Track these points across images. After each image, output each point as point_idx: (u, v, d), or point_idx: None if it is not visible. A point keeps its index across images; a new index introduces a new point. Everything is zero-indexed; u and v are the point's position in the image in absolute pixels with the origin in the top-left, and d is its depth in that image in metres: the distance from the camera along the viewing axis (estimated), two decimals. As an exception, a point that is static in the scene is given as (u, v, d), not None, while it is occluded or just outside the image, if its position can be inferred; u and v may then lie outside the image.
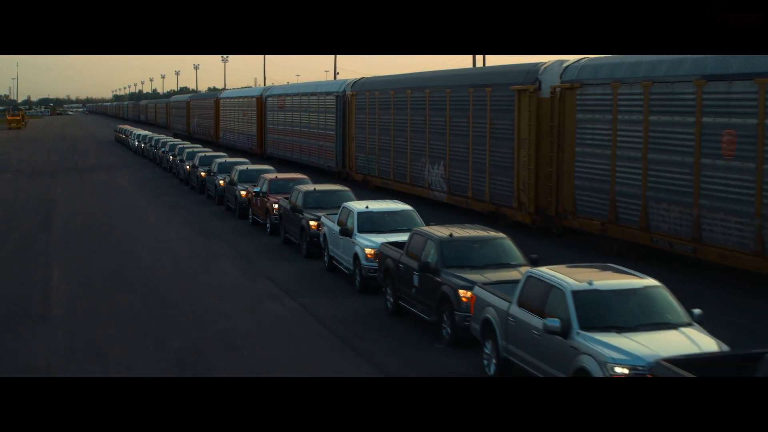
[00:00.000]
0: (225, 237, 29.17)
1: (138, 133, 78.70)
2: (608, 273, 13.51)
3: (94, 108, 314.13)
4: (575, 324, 11.98)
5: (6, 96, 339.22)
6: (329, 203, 25.11)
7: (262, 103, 60.89)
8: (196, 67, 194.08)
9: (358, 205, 22.01)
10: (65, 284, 22.00)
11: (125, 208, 37.06)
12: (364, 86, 42.74)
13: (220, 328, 17.65)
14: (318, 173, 45.19)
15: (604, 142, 24.06)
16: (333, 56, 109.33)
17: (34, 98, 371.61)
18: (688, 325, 12.30)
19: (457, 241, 16.98)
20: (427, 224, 20.23)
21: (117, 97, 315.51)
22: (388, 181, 38.24)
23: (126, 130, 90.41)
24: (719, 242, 20.20)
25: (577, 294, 12.29)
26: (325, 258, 23.03)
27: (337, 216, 22.29)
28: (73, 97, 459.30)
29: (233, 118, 69.88)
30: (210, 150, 50.29)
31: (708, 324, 13.67)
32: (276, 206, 28.10)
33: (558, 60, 27.19)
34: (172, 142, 59.02)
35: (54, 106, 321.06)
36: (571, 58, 26.73)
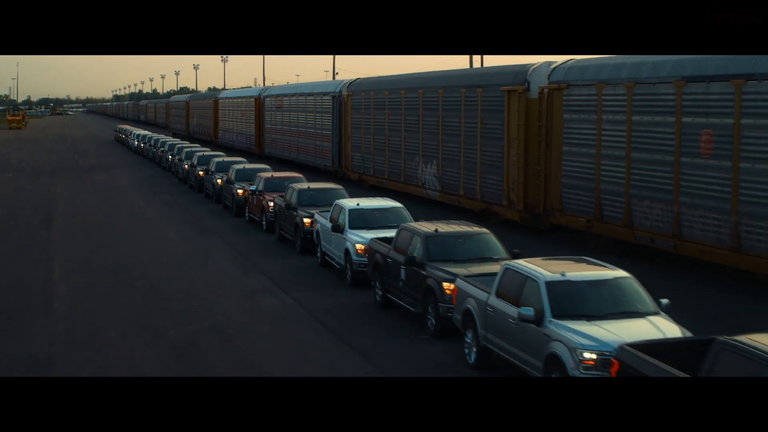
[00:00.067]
0: (222, 234, 29.86)
1: (138, 132, 79.41)
2: (581, 265, 14.21)
3: (94, 108, 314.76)
4: (548, 313, 12.68)
5: (6, 96, 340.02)
6: (323, 201, 25.78)
7: (260, 103, 61.58)
8: (195, 68, 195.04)
9: (350, 203, 22.74)
10: (66, 280, 22.67)
11: (125, 207, 37.74)
12: (359, 87, 43.44)
13: (215, 320, 18.34)
14: (315, 172, 45.91)
15: (590, 141, 24.76)
16: (332, 56, 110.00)
17: (34, 98, 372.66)
18: (655, 313, 13.01)
19: (441, 236, 17.69)
20: (416, 221, 20.92)
21: (117, 97, 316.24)
22: (383, 180, 38.93)
23: (126, 130, 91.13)
24: (698, 238, 20.89)
25: (550, 284, 13.00)
26: (318, 254, 23.74)
27: (330, 213, 22.99)
28: (73, 97, 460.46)
29: (232, 118, 70.56)
30: (208, 150, 51.00)
31: (681, 315, 14.41)
32: (271, 204, 28.80)
33: (546, 61, 27.88)
34: (171, 142, 59.73)
35: (54, 106, 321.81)
36: (559, 60, 27.42)
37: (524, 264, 13.93)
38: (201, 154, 45.86)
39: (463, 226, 18.76)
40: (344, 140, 44.28)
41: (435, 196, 33.88)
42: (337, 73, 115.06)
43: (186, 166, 46.55)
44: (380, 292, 18.94)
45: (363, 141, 41.42)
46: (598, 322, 12.47)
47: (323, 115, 47.56)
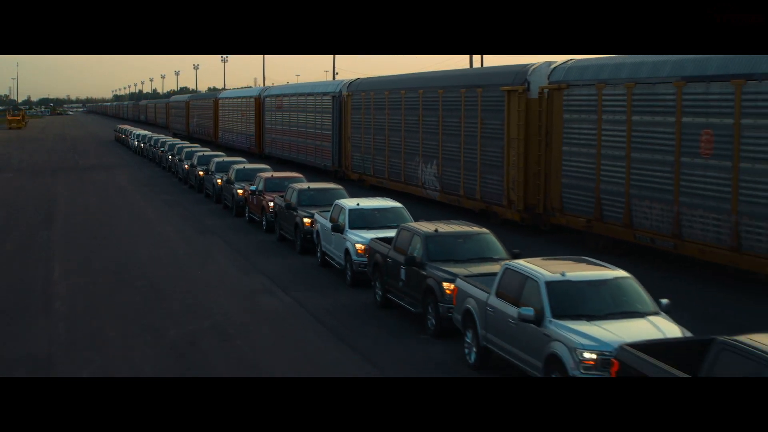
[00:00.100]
0: (222, 234, 29.87)
1: (137, 132, 79.44)
2: (581, 265, 14.21)
3: (94, 108, 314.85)
4: (548, 312, 12.69)
5: (6, 96, 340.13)
6: (323, 201, 25.79)
7: (260, 103, 61.60)
8: (195, 68, 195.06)
9: (350, 203, 22.74)
10: (66, 280, 22.68)
11: (125, 207, 37.75)
12: (359, 87, 43.44)
13: (215, 320, 18.35)
14: (315, 172, 45.92)
15: (590, 141, 24.76)
16: (332, 56, 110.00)
17: (34, 98, 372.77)
18: (655, 313, 13.01)
19: (441, 236, 17.69)
20: (416, 221, 20.91)
21: (117, 97, 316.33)
22: (383, 180, 38.93)
23: (126, 130, 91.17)
24: (698, 238, 20.89)
25: (550, 284, 13.00)
26: (318, 254, 23.75)
27: (330, 213, 22.99)
28: (73, 97, 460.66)
29: (232, 118, 70.57)
30: (208, 150, 51.01)
31: (681, 315, 14.43)
32: (271, 204, 28.80)
33: (546, 61, 27.89)
34: (171, 142, 59.75)
35: (54, 106, 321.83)
36: (559, 60, 27.42)
37: (524, 264, 13.94)
38: (201, 154, 45.87)
39: (463, 226, 18.77)
40: (344, 140, 44.29)
41: (435, 196, 33.88)
42: (337, 73, 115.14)
43: (186, 166, 46.56)
44: (380, 292, 18.94)
45: (363, 141, 41.42)
46: (598, 322, 12.47)
47: (323, 115, 47.57)
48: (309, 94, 51.10)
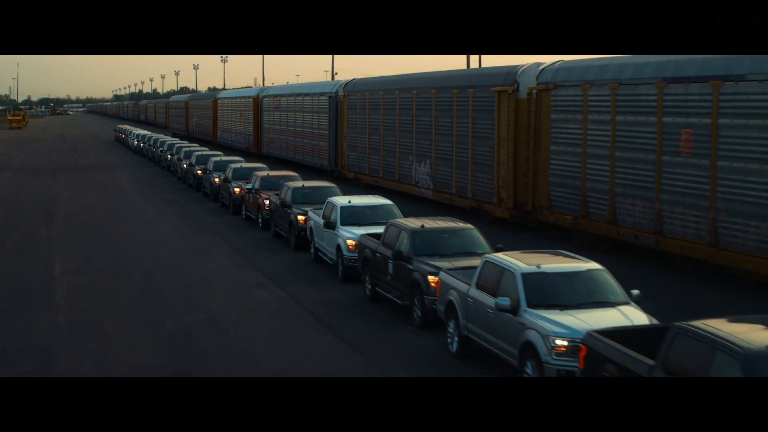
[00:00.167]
0: (219, 232, 30.55)
1: (137, 132, 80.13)
2: (556, 258, 14.91)
3: (94, 108, 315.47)
4: (523, 302, 13.38)
5: (6, 96, 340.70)
6: (316, 199, 26.44)
7: (258, 103, 62.28)
8: (195, 68, 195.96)
9: (342, 200, 23.44)
10: (66, 275, 23.36)
11: (124, 206, 38.41)
12: (355, 87, 44.14)
13: (210, 313, 19.03)
14: (312, 172, 46.61)
15: (576, 140, 25.45)
16: (331, 57, 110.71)
17: (34, 98, 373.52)
18: (626, 303, 13.70)
19: (427, 231, 18.39)
20: (406, 218, 21.58)
21: (117, 97, 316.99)
22: (378, 179, 39.61)
23: (126, 129, 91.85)
24: (679, 234, 21.58)
25: (525, 276, 13.70)
26: (312, 250, 24.44)
27: (323, 210, 23.68)
28: (73, 97, 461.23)
29: (231, 118, 71.24)
30: (206, 149, 51.72)
31: (663, 310, 15.07)
32: (267, 202, 29.49)
33: (535, 62, 28.57)
34: (170, 142, 60.44)
35: (54, 106, 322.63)
36: (547, 61, 28.09)
37: (502, 257, 14.64)
38: (199, 153, 46.59)
39: (449, 222, 19.48)
40: (340, 140, 44.98)
41: (428, 195, 34.56)
42: (336, 73, 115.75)
43: (185, 166, 47.26)
44: (369, 286, 19.64)
45: (359, 141, 42.11)
46: (570, 311, 13.16)
47: (320, 115, 48.27)
48: (306, 95, 51.81)
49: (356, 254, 20.82)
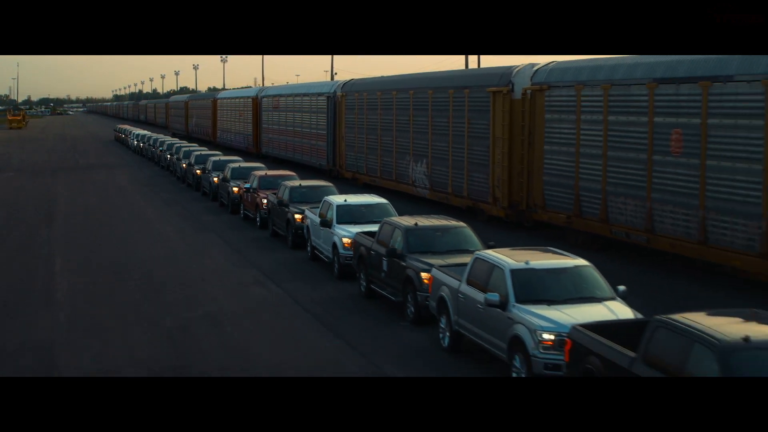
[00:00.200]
0: (217, 230, 30.91)
1: (137, 132, 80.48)
2: (545, 254, 15.28)
3: (94, 108, 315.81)
4: (512, 298, 13.74)
5: (6, 96, 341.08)
6: (314, 198, 26.78)
7: (257, 103, 62.64)
8: (195, 68, 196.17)
9: (338, 199, 23.80)
10: (67, 273, 23.70)
11: (124, 206, 38.76)
12: (353, 87, 44.50)
13: (208, 309, 19.39)
14: (310, 171, 46.98)
15: (569, 140, 25.81)
16: (330, 57, 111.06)
17: (34, 98, 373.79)
18: (612, 299, 14.06)
19: (421, 229, 18.76)
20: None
21: (117, 97, 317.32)
22: (376, 179, 39.97)
23: (125, 129, 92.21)
24: (669, 232, 21.93)
25: (514, 272, 14.07)
26: (308, 248, 24.79)
27: (319, 209, 24.03)
28: (73, 97, 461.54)
29: (230, 118, 71.60)
30: (205, 149, 52.10)
31: (655, 308, 15.35)
32: (265, 201, 29.85)
33: (530, 63, 28.93)
34: (170, 142, 60.80)
35: (54, 106, 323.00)
36: (542, 62, 28.44)
37: (492, 254, 15.01)
38: (198, 153, 46.98)
39: (442, 220, 19.85)
40: (338, 140, 45.34)
41: (425, 194, 34.92)
42: (336, 73, 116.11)
43: (184, 165, 47.62)
44: (364, 283, 19.99)
45: (356, 140, 42.47)
46: (557, 307, 13.52)
47: (318, 115, 48.63)
48: (304, 95, 52.18)
49: (352, 252, 21.17)
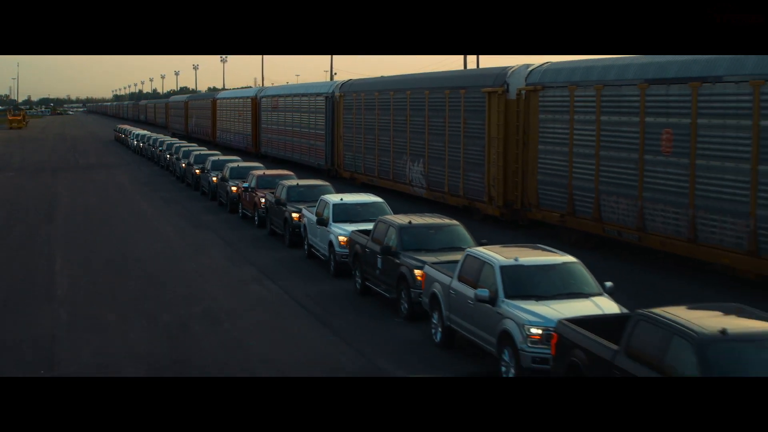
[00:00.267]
0: (216, 229, 31.26)
1: (137, 132, 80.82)
2: (534, 251, 15.65)
3: (94, 108, 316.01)
4: (501, 294, 14.10)
5: (6, 96, 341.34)
6: (311, 197, 27.11)
7: (256, 103, 62.99)
8: (195, 68, 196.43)
9: (334, 198, 24.16)
10: (67, 270, 24.07)
11: (124, 205, 39.11)
12: (351, 88, 44.85)
13: (206, 306, 19.74)
14: (309, 171, 47.32)
15: (563, 140, 26.16)
16: (330, 57, 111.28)
17: (34, 98, 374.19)
18: (599, 294, 14.42)
19: (414, 227, 19.12)
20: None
21: (117, 97, 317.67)
22: (373, 178, 40.32)
23: (125, 129, 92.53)
24: (660, 231, 22.28)
25: (504, 268, 14.43)
26: (305, 246, 25.14)
27: (315, 207, 24.39)
28: (73, 97, 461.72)
29: (229, 118, 71.94)
30: (204, 149, 52.46)
31: (637, 301, 15.70)
32: (263, 200, 30.20)
33: (524, 63, 29.28)
34: (169, 142, 61.16)
35: (54, 106, 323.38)
36: (536, 62, 28.79)
37: (482, 251, 15.37)
38: (198, 153, 47.35)
39: (435, 219, 20.21)
40: (337, 140, 45.69)
41: (422, 193, 35.27)
42: (335, 74, 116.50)
43: (183, 165, 47.98)
44: (359, 280, 20.35)
45: (354, 140, 42.82)
46: (545, 302, 13.87)
47: (317, 116, 48.98)
48: (303, 95, 52.53)
49: (347, 250, 21.52)
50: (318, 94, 49.02)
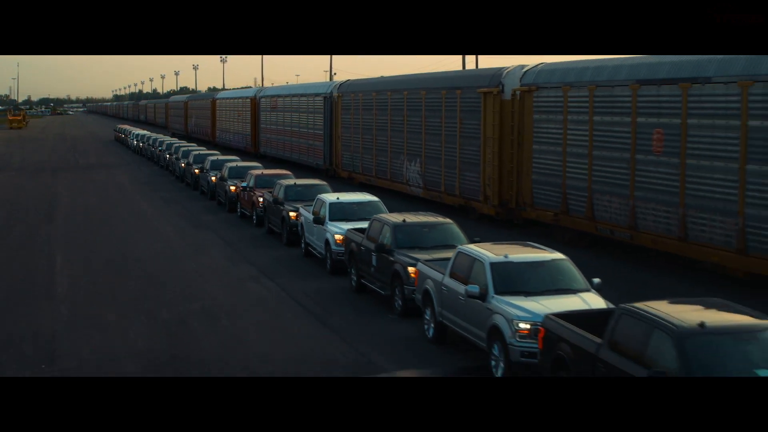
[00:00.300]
0: (215, 228, 31.61)
1: (137, 132, 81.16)
2: (524, 248, 16.03)
3: (94, 108, 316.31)
4: (491, 290, 14.46)
5: (6, 96, 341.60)
6: (308, 196, 27.46)
7: (256, 103, 63.34)
8: (195, 68, 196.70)
9: (330, 197, 24.53)
10: (68, 268, 24.42)
11: (124, 204, 39.45)
12: (349, 88, 45.21)
13: (204, 303, 20.10)
14: (308, 171, 47.65)
15: (557, 140, 26.51)
16: (330, 57, 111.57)
17: (34, 98, 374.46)
18: (587, 290, 14.78)
19: (408, 225, 19.48)
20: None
21: (117, 97, 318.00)
22: (371, 178, 40.67)
23: (125, 129, 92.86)
24: (651, 229, 22.64)
25: (494, 265, 14.79)
26: (302, 244, 25.50)
27: (312, 207, 24.74)
28: (73, 97, 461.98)
29: (229, 118, 72.28)
30: (203, 148, 52.81)
31: (626, 299, 16.01)
32: (261, 199, 30.55)
33: (519, 64, 29.64)
34: (169, 142, 61.51)
35: (54, 106, 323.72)
36: (531, 63, 29.15)
37: (473, 248, 15.73)
38: (197, 152, 47.73)
39: (429, 217, 20.58)
40: (335, 140, 46.04)
41: (418, 193, 35.62)
42: (335, 74, 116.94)
43: (183, 165, 48.33)
44: (355, 278, 20.71)
45: (352, 140, 43.17)
46: (534, 298, 14.23)
47: (315, 116, 49.34)
48: (302, 95, 52.90)
49: (343, 248, 21.86)
50: (316, 95, 49.38)
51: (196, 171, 43.80)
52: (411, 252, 18.48)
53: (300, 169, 47.50)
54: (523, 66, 29.34)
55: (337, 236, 22.34)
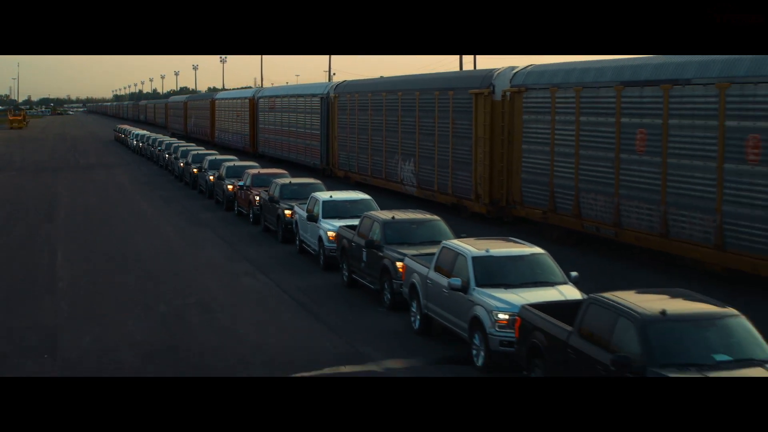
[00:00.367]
0: (212, 226, 32.31)
1: (137, 132, 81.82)
2: (505, 243, 16.77)
3: (94, 108, 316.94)
4: (473, 282, 15.17)
5: (7, 96, 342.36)
6: (303, 195, 28.12)
7: (254, 104, 64.05)
8: (195, 68, 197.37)
9: (324, 195, 25.24)
10: (68, 265, 25.10)
11: (124, 203, 40.12)
12: (345, 89, 45.93)
13: (200, 298, 20.80)
14: (305, 170, 48.31)
15: (545, 140, 27.22)
16: (328, 57, 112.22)
17: (34, 98, 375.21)
18: (564, 283, 15.49)
19: (397, 222, 20.20)
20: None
21: (117, 97, 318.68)
22: (367, 177, 41.37)
23: (125, 129, 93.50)
24: (634, 227, 23.35)
25: (476, 259, 15.51)
26: (297, 242, 26.21)
27: (306, 205, 25.45)
28: (73, 97, 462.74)
29: (228, 119, 72.97)
30: (202, 148, 53.51)
31: (601, 289, 16.69)
32: (258, 198, 31.26)
33: (510, 66, 30.35)
34: (168, 142, 62.20)
35: (54, 106, 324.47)
36: (521, 65, 29.86)
37: (457, 243, 16.45)
38: (195, 152, 48.44)
39: (417, 214, 21.30)
40: (331, 140, 46.74)
41: (412, 192, 36.32)
42: (334, 74, 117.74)
43: (181, 164, 49.04)
44: (346, 273, 21.42)
45: (348, 140, 43.88)
46: (514, 290, 14.95)
47: (312, 116, 50.06)
48: (299, 96, 53.62)
49: (336, 244, 22.56)
50: (313, 95, 50.09)
51: (195, 170, 44.49)
52: (399, 248, 19.18)
53: (297, 168, 48.22)
54: (513, 67, 30.04)
55: (330, 233, 23.04)
